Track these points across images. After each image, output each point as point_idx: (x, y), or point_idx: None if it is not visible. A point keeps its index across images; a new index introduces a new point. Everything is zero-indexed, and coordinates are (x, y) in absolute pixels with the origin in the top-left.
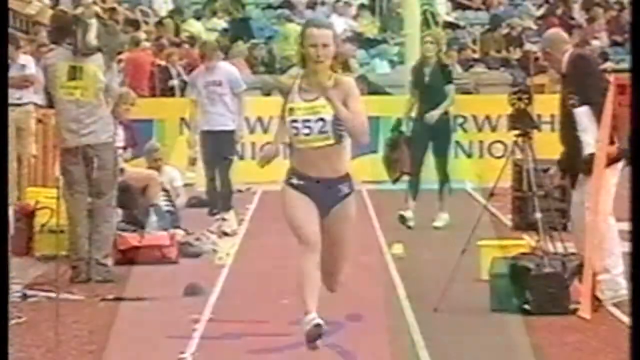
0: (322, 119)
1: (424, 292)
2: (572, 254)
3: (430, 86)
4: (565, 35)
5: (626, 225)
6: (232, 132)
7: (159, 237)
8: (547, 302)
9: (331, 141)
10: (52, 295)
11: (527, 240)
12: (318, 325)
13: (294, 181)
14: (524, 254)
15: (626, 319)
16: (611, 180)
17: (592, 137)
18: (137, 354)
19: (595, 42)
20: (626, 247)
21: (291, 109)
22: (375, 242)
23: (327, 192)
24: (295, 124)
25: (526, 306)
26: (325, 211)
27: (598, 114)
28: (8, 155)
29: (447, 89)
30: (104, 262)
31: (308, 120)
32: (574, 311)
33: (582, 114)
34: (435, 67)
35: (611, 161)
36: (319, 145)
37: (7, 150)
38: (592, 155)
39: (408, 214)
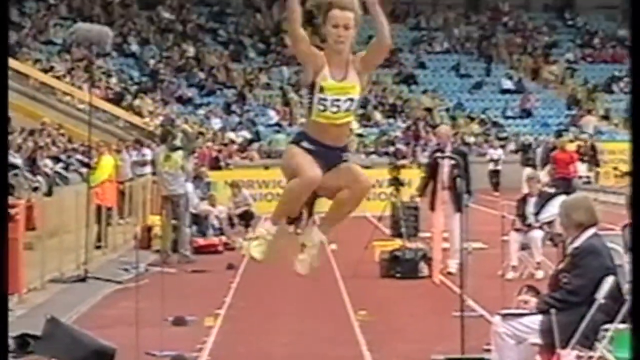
0: (350, 99)
1: (348, 267)
2: (420, 248)
3: None
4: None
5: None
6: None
7: (214, 240)
8: (407, 273)
9: (351, 118)
10: (159, 269)
11: (398, 242)
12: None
13: (305, 144)
14: (396, 249)
15: (449, 283)
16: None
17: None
18: (202, 299)
19: None
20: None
21: (322, 88)
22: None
23: (332, 155)
24: (324, 102)
25: (397, 275)
26: (329, 168)
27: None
28: (8, 157)
29: None
30: (185, 253)
31: (338, 100)
32: (421, 277)
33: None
34: None
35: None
36: (341, 122)
37: (7, 152)
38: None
39: None
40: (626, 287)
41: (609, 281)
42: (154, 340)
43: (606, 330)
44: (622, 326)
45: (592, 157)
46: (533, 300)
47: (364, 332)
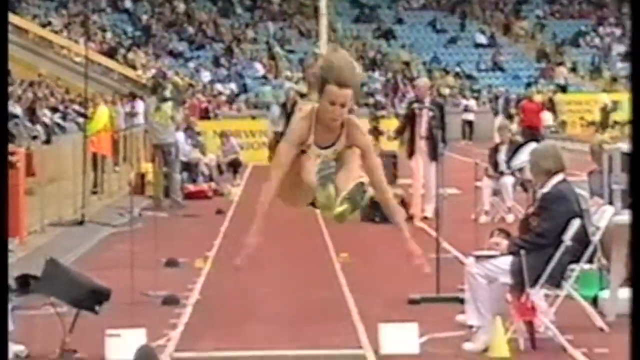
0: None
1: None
2: (398, 194)
3: (290, 115)
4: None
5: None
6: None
7: (203, 186)
8: (386, 217)
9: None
10: (152, 213)
11: None
12: None
13: None
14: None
15: (425, 227)
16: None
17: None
18: (193, 242)
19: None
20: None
21: (303, 151)
22: None
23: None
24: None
25: (376, 219)
26: None
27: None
28: (7, 153)
29: None
30: (177, 199)
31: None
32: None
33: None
34: (292, 103)
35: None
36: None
37: (6, 149)
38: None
39: None
40: (591, 229)
41: (575, 224)
42: (147, 281)
43: (572, 270)
44: (587, 266)
45: (549, 108)
46: (504, 243)
47: (345, 274)
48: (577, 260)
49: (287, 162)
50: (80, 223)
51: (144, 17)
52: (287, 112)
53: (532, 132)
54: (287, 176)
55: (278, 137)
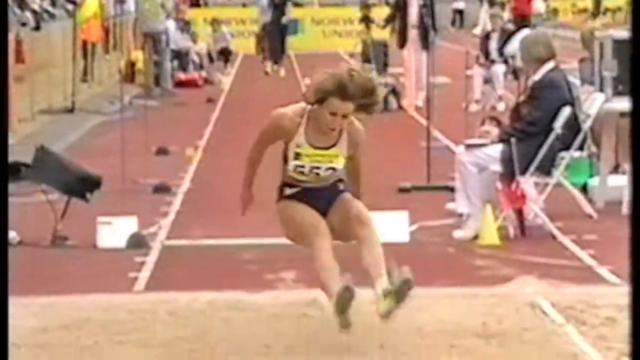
0: (332, 168)
1: None
2: (389, 83)
3: (277, 5)
4: None
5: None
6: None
7: (194, 75)
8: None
9: (337, 177)
10: (142, 102)
11: None
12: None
13: (288, 191)
14: None
15: (416, 115)
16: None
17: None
18: (184, 131)
19: None
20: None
21: (298, 154)
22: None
23: (324, 191)
24: (301, 169)
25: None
26: (326, 209)
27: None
28: (8, 147)
29: (285, 9)
30: (168, 88)
31: (318, 167)
32: (390, 111)
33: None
34: None
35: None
36: (324, 183)
37: (7, 141)
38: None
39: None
40: (581, 117)
41: (565, 112)
42: (138, 170)
43: (562, 158)
44: (577, 154)
45: None
46: (495, 131)
47: None
48: (567, 148)
49: (267, 144)
50: (71, 111)
51: None
52: (275, 3)
53: (523, 20)
54: (299, 232)
55: (267, 26)
